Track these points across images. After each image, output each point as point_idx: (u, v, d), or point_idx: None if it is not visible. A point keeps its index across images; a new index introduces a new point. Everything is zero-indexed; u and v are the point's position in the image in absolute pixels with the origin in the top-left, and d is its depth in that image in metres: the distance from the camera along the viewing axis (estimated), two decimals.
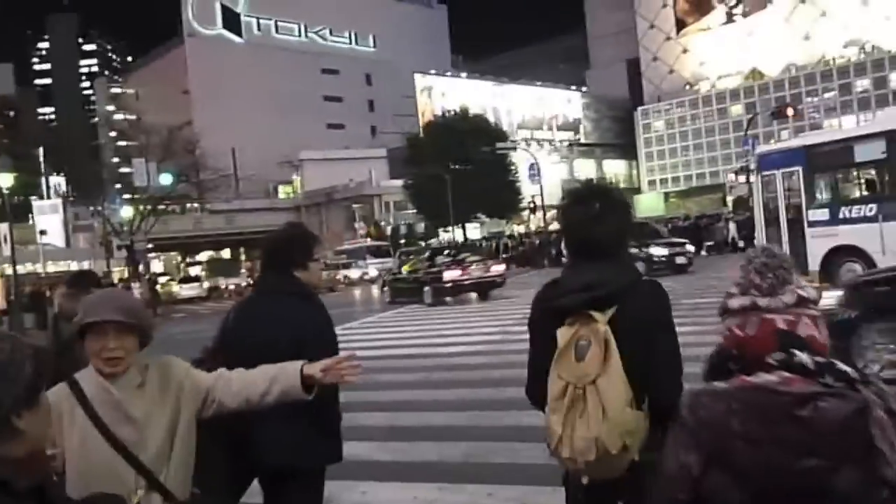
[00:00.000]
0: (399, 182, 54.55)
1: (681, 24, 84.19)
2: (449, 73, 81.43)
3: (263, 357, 2.56)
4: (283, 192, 73.43)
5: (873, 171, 13.28)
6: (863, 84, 69.94)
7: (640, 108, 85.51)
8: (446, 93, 72.08)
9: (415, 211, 52.10)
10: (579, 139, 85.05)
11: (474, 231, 54.88)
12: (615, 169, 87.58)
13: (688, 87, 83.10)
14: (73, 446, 2.14)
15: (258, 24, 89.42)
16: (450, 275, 20.65)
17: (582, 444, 2.13)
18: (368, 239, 49.28)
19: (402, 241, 48.75)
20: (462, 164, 46.62)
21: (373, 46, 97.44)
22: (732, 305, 1.68)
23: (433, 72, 76.54)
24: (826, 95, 71.92)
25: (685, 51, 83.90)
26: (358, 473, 5.21)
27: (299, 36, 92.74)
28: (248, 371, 2.48)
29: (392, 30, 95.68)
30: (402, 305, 21.53)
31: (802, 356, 1.56)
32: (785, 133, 41.56)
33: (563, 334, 2.23)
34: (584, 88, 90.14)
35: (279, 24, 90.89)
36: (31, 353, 1.31)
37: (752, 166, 14.98)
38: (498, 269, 22.30)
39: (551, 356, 2.24)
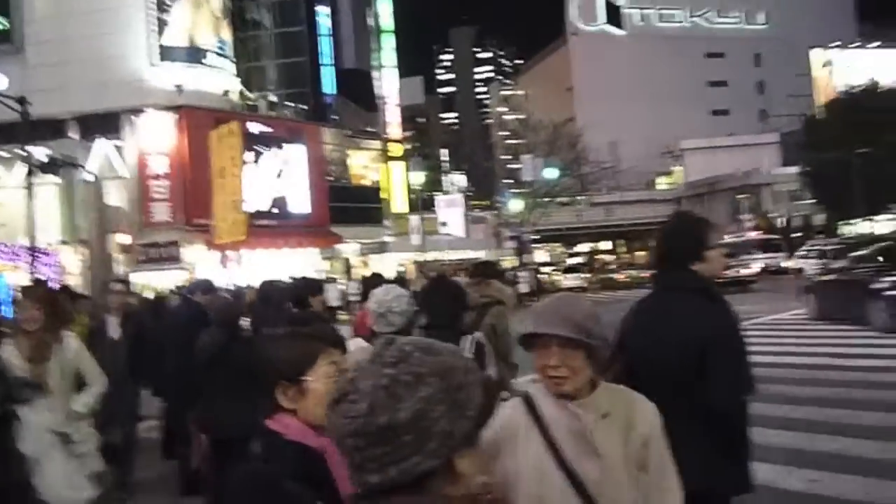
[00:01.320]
0: (793, 169, 49.79)
1: None
2: (855, 45, 71.81)
3: (666, 361, 2.42)
4: (662, 182, 72.00)
5: None
6: None
7: None
8: (851, 67, 63.72)
9: (813, 201, 47.04)
10: None
11: (888, 224, 47.69)
12: None
13: None
14: (525, 470, 1.93)
15: (640, 15, 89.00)
16: None
17: None
18: (756, 232, 45.79)
19: (797, 235, 44.34)
20: (871, 147, 40.70)
21: (764, 24, 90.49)
22: None
23: (835, 44, 68.24)
24: None
25: None
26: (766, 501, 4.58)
27: (682, 22, 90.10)
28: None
29: (786, 3, 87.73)
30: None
31: None
32: None
33: None
34: None
35: (662, 12, 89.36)
36: (481, 382, 1.13)
37: None
38: None
39: None
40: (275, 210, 33.82)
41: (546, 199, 45.09)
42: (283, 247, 31.75)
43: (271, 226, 32.14)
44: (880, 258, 15.12)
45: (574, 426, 1.91)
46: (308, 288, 6.85)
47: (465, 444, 1.07)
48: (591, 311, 2.01)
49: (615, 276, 44.50)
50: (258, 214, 30.03)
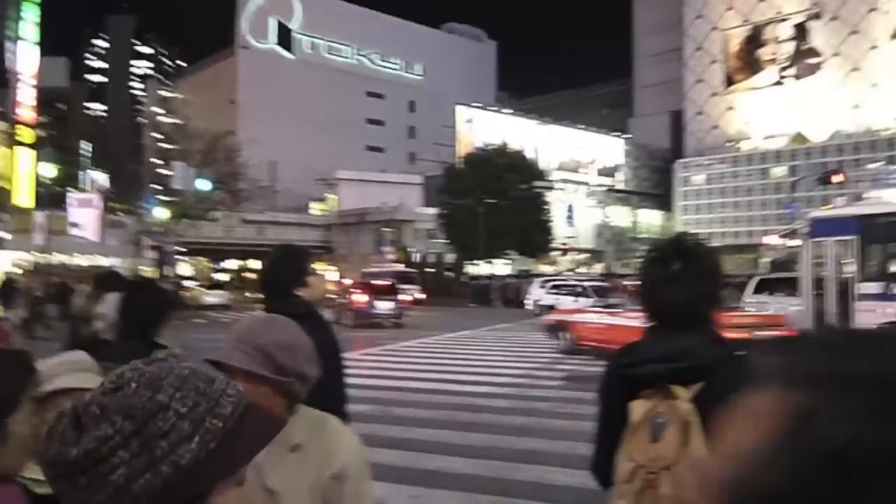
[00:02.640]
0: (432, 210, 54.49)
1: (729, 81, 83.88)
2: (492, 108, 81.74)
3: None
4: (315, 208, 73.72)
5: None
6: None
7: (680, 161, 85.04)
8: (488, 126, 72.28)
9: (446, 241, 51.94)
10: (616, 185, 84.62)
11: (503, 268, 54.52)
12: (650, 219, 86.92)
13: (730, 144, 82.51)
14: None
15: (311, 43, 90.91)
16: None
17: None
18: (397, 264, 49.05)
19: (431, 270, 48.47)
20: (497, 199, 46.38)
21: (420, 74, 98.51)
22: None
23: (477, 104, 76.88)
24: (870, 166, 70.89)
25: (731, 108, 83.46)
26: None
27: (349, 58, 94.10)
28: None
29: (441, 60, 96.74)
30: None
31: None
32: (839, 199, 40.76)
33: (636, 408, 1.87)
34: (625, 136, 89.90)
35: (331, 44, 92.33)
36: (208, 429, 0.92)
37: (803, 230, 14.46)
38: None
39: (621, 431, 1.89)
40: None
41: (195, 211, 43.31)
42: None
43: None
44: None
45: None
46: None
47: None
48: (286, 342, 1.73)
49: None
50: None
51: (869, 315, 12.59)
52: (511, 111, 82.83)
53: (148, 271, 38.47)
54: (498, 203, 46.08)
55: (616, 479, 1.88)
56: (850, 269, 13.08)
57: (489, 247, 44.57)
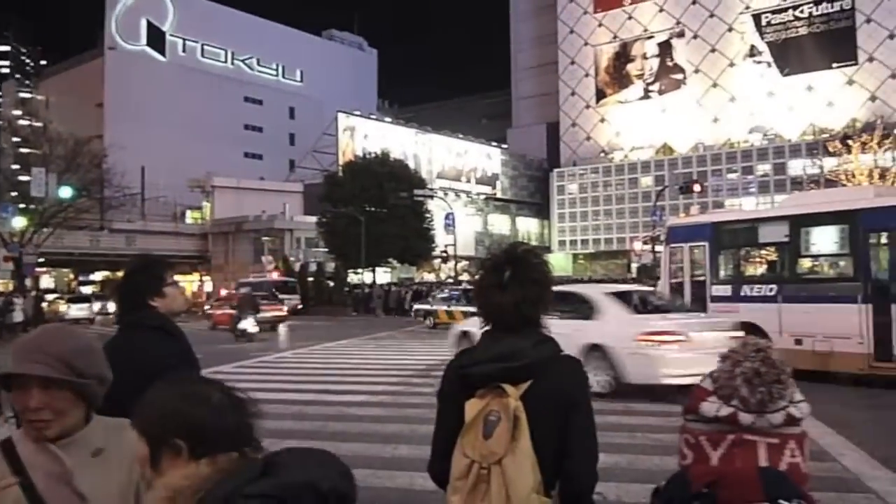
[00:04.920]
0: (313, 219, 53.79)
1: (601, 94, 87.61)
2: (373, 116, 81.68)
3: (123, 396, 2.31)
4: (190, 217, 71.12)
5: (775, 253, 13.78)
6: (764, 168, 74.18)
7: (555, 170, 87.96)
8: (368, 135, 72.17)
9: (326, 250, 51.36)
10: (496, 194, 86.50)
11: (384, 276, 54.52)
12: (528, 226, 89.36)
13: (602, 154, 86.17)
14: None
15: (184, 46, 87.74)
16: None
17: None
18: (277, 273, 48.07)
19: (310, 279, 47.80)
20: (378, 208, 46.35)
21: (299, 81, 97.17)
22: (707, 412, 1.41)
23: (357, 113, 76.62)
24: (730, 176, 75.83)
25: (602, 120, 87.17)
26: None
27: (225, 62, 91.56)
28: None
29: (321, 67, 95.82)
30: None
31: None
32: (694, 208, 43.38)
33: (471, 407, 1.99)
34: (504, 146, 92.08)
35: (206, 47, 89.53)
36: None
37: (662, 237, 15.32)
38: None
39: (459, 430, 2.00)
40: None
41: (57, 220, 40.81)
42: None
43: None
44: None
45: (54, 469, 1.68)
46: None
47: None
48: (82, 346, 1.77)
49: None
50: None
51: (721, 316, 13.49)
52: (392, 120, 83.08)
53: (2, 283, 35.94)
54: (379, 211, 46.06)
55: (452, 475, 1.97)
56: (703, 273, 13.96)
57: (370, 255, 44.40)
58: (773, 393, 1.41)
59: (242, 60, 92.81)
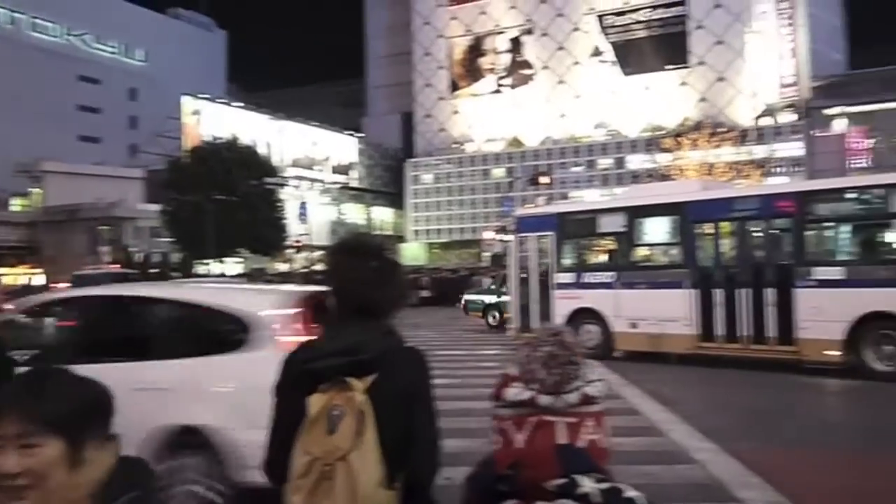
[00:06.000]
0: (155, 207, 51.14)
1: (454, 87, 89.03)
2: (222, 100, 78.62)
3: None
4: (17, 204, 65.48)
5: (614, 242, 14.52)
6: (606, 162, 78.27)
7: (410, 160, 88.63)
8: (217, 120, 69.48)
9: (171, 240, 48.96)
10: (350, 183, 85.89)
11: (235, 266, 52.76)
12: (383, 216, 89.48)
13: (456, 145, 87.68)
14: None
15: (11, 18, 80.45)
16: None
17: None
18: (115, 265, 45.26)
19: (155, 271, 45.45)
20: (227, 196, 44.73)
21: (142, 60, 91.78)
22: (510, 397, 1.44)
23: (205, 96, 73.48)
24: (575, 168, 79.42)
25: (456, 112, 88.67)
26: None
27: (57, 37, 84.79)
28: None
29: (165, 47, 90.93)
30: None
31: (586, 484, 1.33)
32: (541, 199, 45.13)
33: (314, 402, 1.90)
34: (359, 134, 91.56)
35: (36, 21, 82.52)
36: None
37: (510, 227, 15.76)
38: None
39: (298, 427, 1.91)
40: None
41: None
42: None
43: None
44: None
45: None
46: None
47: None
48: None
49: None
50: None
51: (564, 302, 14.07)
52: (242, 105, 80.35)
53: None
54: (228, 200, 44.46)
55: (291, 474, 1.88)
56: (549, 261, 14.50)
57: (219, 245, 42.81)
58: (567, 374, 1.46)
59: (78, 36, 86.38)
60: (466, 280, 36.59)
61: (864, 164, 58.57)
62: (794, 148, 68.05)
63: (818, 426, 8.23)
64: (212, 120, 69.43)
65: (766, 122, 71.04)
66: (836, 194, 12.19)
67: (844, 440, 7.62)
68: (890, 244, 11.33)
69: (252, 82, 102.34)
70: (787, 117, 70.39)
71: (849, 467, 6.50)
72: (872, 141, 60.83)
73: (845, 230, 11.83)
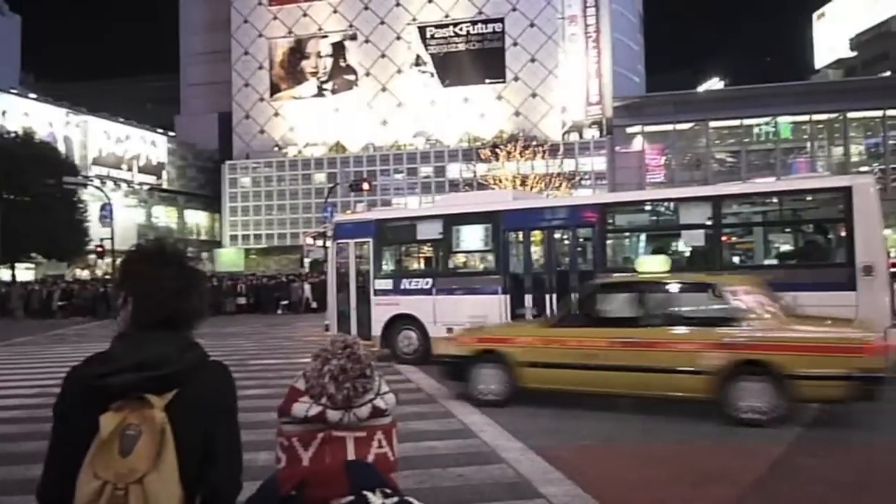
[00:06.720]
0: None
1: (275, 88, 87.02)
2: (14, 91, 71.59)
3: None
4: None
5: (431, 249, 14.85)
6: (426, 170, 79.83)
7: (227, 163, 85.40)
8: (7, 112, 63.30)
9: None
10: (161, 184, 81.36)
11: (27, 273, 48.20)
12: (197, 219, 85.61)
13: (276, 149, 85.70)
14: None
15: None
16: None
17: None
18: None
19: None
20: (17, 195, 40.74)
21: None
22: (298, 413, 1.40)
23: None
24: (396, 176, 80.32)
25: (277, 114, 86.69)
26: None
27: None
28: None
29: None
30: None
31: (375, 500, 1.32)
32: (361, 205, 45.22)
33: (107, 422, 1.75)
34: (171, 133, 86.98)
35: None
36: None
37: (329, 233, 15.67)
38: None
39: (86, 449, 1.75)
40: None
41: None
42: None
43: None
44: None
45: None
46: None
47: None
48: None
49: None
50: None
51: (383, 308, 14.20)
52: (37, 96, 73.62)
53: None
54: (18, 200, 40.46)
55: (78, 501, 1.71)
56: (367, 268, 14.57)
57: (8, 249, 38.81)
58: (357, 387, 1.45)
59: None
60: (285, 287, 35.89)
61: (660, 180, 63.99)
62: (599, 162, 73.02)
63: (615, 424, 8.87)
64: (3, 112, 63.12)
65: (574, 137, 75.74)
66: (632, 206, 13.28)
67: (630, 435, 8.29)
68: (681, 252, 12.49)
69: (52, 73, 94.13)
70: (594, 133, 75.50)
71: (632, 457, 7.10)
72: (663, 159, 66.66)
73: (641, 239, 12.91)
